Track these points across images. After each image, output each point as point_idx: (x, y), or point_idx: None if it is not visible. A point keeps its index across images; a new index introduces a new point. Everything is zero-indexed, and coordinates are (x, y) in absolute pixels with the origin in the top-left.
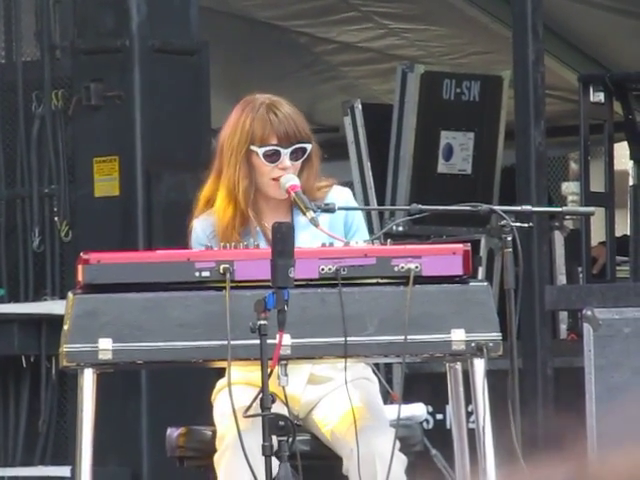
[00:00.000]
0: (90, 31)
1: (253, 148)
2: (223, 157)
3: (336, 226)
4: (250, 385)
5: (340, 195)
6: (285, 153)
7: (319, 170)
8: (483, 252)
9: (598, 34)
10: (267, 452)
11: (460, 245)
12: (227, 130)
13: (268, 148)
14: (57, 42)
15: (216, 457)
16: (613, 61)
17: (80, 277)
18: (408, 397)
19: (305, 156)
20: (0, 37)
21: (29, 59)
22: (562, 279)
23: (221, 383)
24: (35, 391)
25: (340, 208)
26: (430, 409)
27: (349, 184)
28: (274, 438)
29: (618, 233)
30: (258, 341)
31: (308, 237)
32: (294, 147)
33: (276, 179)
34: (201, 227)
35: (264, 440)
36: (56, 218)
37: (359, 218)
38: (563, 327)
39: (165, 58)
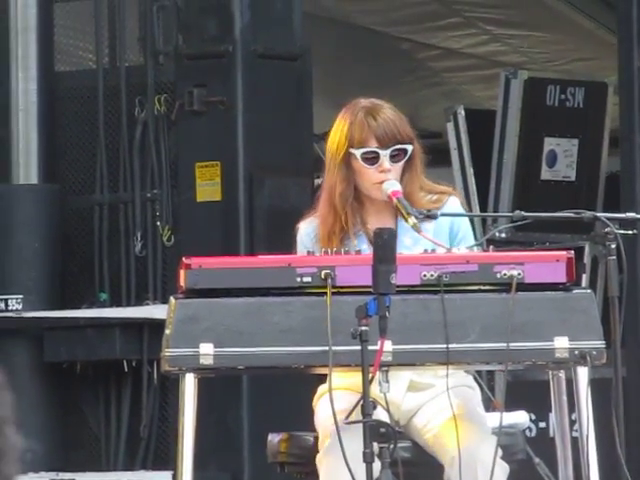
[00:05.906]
0: (193, 36)
1: (352, 151)
2: (326, 163)
3: (441, 233)
4: (350, 390)
5: (454, 205)
6: (384, 155)
7: (423, 172)
8: (587, 259)
9: None
10: (368, 459)
11: (564, 252)
12: (330, 136)
13: (366, 150)
14: (160, 47)
15: (318, 457)
16: None
17: (182, 282)
18: (510, 405)
19: (406, 158)
20: (104, 42)
21: (132, 64)
22: None
23: (322, 389)
24: (137, 396)
25: (443, 214)
26: (533, 417)
27: None
28: (375, 444)
29: None
30: (359, 347)
31: (411, 241)
32: (393, 148)
33: (378, 183)
34: (305, 230)
35: (365, 447)
36: (158, 223)
37: (466, 226)
38: None
39: (268, 63)
